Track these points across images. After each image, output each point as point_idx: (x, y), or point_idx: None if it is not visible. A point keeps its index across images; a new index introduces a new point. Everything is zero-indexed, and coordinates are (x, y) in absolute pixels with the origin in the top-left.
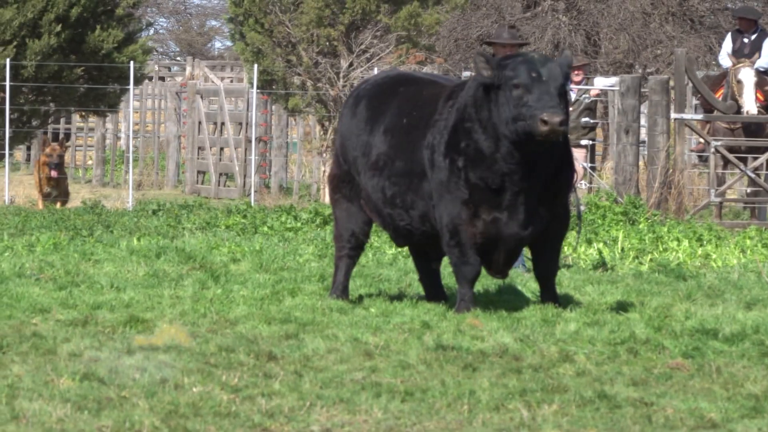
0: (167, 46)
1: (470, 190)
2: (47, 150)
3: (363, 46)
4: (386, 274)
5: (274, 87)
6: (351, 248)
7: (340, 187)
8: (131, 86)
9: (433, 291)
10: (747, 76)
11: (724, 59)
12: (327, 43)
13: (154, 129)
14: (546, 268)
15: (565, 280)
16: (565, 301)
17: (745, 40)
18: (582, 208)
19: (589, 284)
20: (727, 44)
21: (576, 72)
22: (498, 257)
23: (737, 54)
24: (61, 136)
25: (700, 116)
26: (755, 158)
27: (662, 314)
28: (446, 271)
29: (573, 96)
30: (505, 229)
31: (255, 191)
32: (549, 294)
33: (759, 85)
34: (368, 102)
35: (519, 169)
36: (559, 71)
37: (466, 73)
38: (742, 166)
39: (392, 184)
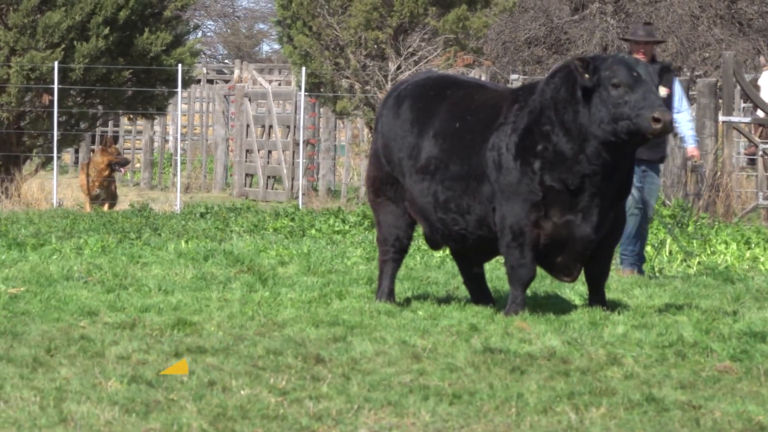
0: (215, 49)
1: (545, 192)
2: (111, 149)
3: (411, 49)
4: (434, 276)
5: (322, 90)
6: (395, 252)
7: (383, 189)
8: (179, 89)
9: (480, 294)
10: (766, 80)
11: None
12: (375, 46)
13: (202, 132)
14: (599, 271)
15: (613, 284)
16: (612, 305)
17: None
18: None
19: (636, 287)
20: None
21: None
22: (564, 259)
23: None
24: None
25: (747, 119)
26: None
27: (710, 317)
28: (492, 275)
29: None
30: (577, 231)
31: (303, 194)
32: (597, 297)
33: None
34: (412, 103)
35: (601, 170)
36: (654, 71)
37: (514, 76)
38: None
39: (446, 189)
